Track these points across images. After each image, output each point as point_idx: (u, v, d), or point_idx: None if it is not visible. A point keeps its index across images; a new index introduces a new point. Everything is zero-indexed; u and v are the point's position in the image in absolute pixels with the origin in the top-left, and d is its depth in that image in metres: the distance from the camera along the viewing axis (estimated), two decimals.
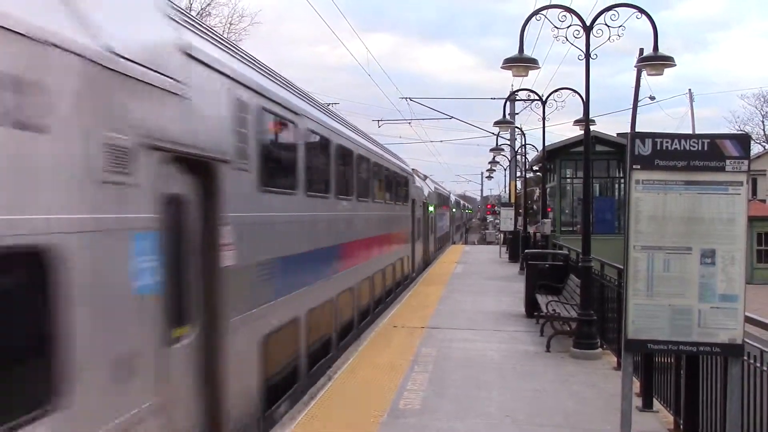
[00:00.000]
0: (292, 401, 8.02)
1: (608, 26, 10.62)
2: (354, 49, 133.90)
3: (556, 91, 19.32)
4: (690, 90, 42.27)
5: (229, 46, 6.93)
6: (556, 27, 10.76)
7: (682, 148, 5.85)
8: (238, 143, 6.33)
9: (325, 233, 10.22)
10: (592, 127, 13.99)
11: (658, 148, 5.86)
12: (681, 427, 6.94)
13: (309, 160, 9.05)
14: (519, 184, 41.53)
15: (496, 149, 35.23)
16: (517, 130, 34.19)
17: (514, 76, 12.45)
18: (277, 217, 7.75)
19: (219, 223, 5.84)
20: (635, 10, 10.62)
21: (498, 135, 34.22)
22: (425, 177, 33.04)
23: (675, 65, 11.15)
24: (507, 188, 49.15)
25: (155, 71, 4.77)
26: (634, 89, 24.22)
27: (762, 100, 62.37)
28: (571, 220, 28.49)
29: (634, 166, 5.89)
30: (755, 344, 5.70)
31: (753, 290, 9.15)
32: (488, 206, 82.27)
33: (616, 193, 27.48)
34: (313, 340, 9.26)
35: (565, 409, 7.96)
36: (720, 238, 5.77)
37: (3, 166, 3.34)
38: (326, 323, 10.17)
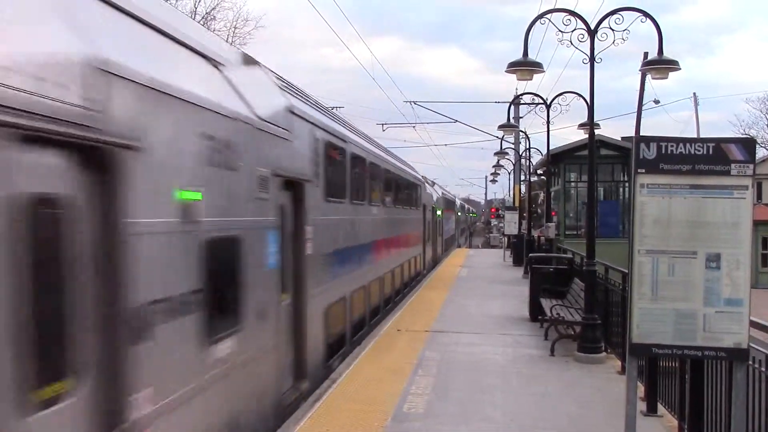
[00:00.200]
0: (341, 359, 10.35)
1: (613, 30, 10.63)
2: (358, 52, 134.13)
3: (560, 94, 19.30)
4: (695, 94, 42.31)
5: (308, 99, 9.81)
6: (560, 31, 10.78)
7: (687, 151, 5.83)
8: (314, 167, 8.86)
9: (362, 233, 12.67)
10: (596, 131, 13.95)
11: (663, 151, 5.85)
12: (685, 431, 6.92)
13: (352, 175, 11.81)
14: (523, 188, 41.50)
15: (501, 153, 35.22)
16: (521, 133, 34.16)
17: (518, 79, 12.56)
18: (334, 220, 10.13)
19: (304, 224, 8.33)
20: (640, 14, 10.64)
21: (502, 138, 34.24)
22: (433, 183, 35.23)
23: (680, 69, 11.14)
24: (511, 192, 49.12)
25: (277, 126, 7.36)
26: (638, 93, 24.23)
27: (767, 104, 62.14)
28: (576, 223, 28.42)
29: (638, 170, 5.87)
30: (760, 349, 5.66)
31: (758, 294, 9.12)
32: (492, 210, 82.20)
33: (621, 197, 27.44)
34: (354, 315, 11.96)
35: (569, 414, 7.94)
36: (725, 243, 5.75)
37: (222, 191, 5.76)
38: (362, 304, 12.78)
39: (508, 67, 11.60)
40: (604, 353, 10.62)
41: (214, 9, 34.03)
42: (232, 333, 5.91)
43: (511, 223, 34.78)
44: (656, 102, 36.57)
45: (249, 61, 7.71)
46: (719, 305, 5.75)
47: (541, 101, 21.07)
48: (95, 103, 3.90)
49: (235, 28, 34.93)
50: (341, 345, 10.77)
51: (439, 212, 33.60)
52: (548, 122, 20.77)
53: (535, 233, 29.41)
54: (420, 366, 10.04)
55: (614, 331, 10.47)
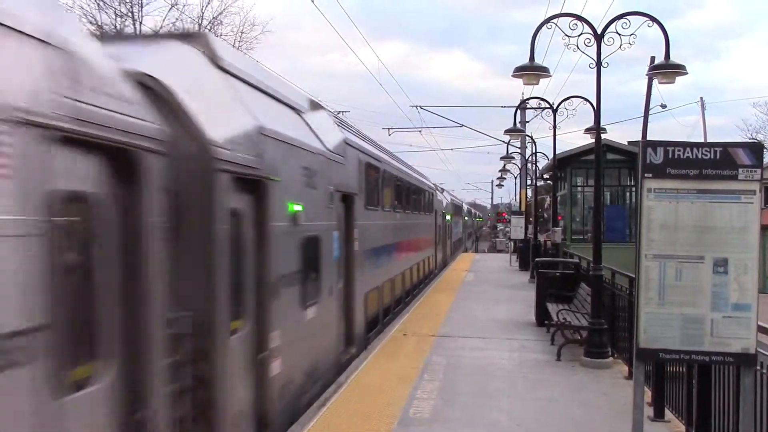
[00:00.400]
0: (375, 335, 12.76)
1: (619, 34, 10.61)
2: (364, 57, 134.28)
3: (566, 99, 19.28)
4: (701, 98, 42.16)
5: (353, 129, 13.31)
6: (567, 35, 10.76)
7: (694, 156, 5.83)
8: (358, 183, 11.40)
9: (390, 235, 15.26)
10: (603, 136, 13.94)
11: (670, 156, 5.85)
12: None
13: (383, 188, 14.55)
14: (529, 193, 41.44)
15: (507, 157, 35.13)
16: (527, 138, 34.13)
17: (524, 84, 12.45)
18: (371, 224, 12.61)
19: (353, 227, 10.79)
20: (646, 19, 10.62)
21: (508, 143, 34.15)
22: (443, 189, 36.76)
23: (686, 73, 11.11)
24: (517, 196, 49.04)
25: (337, 154, 9.80)
26: (645, 97, 24.10)
27: None
28: (582, 228, 28.39)
29: (645, 175, 5.87)
30: None
31: (766, 299, 9.09)
32: (498, 214, 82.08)
33: (627, 202, 27.38)
34: (385, 301, 14.50)
35: (575, 419, 7.92)
36: (732, 247, 5.74)
37: (310, 204, 8.07)
38: (390, 293, 15.41)
39: (514, 72, 11.60)
40: (610, 358, 10.60)
41: (221, 14, 34.05)
42: (315, 303, 8.29)
43: (517, 228, 34.75)
44: (663, 106, 36.48)
45: (316, 106, 10.19)
46: (727, 310, 5.74)
47: (548, 106, 21.04)
48: (258, 154, 6.31)
49: (242, 33, 34.81)
50: (376, 323, 13.38)
51: (448, 217, 34.93)
52: (555, 127, 20.76)
53: (541, 238, 29.33)
54: (426, 370, 10.04)
55: (621, 336, 10.44)
